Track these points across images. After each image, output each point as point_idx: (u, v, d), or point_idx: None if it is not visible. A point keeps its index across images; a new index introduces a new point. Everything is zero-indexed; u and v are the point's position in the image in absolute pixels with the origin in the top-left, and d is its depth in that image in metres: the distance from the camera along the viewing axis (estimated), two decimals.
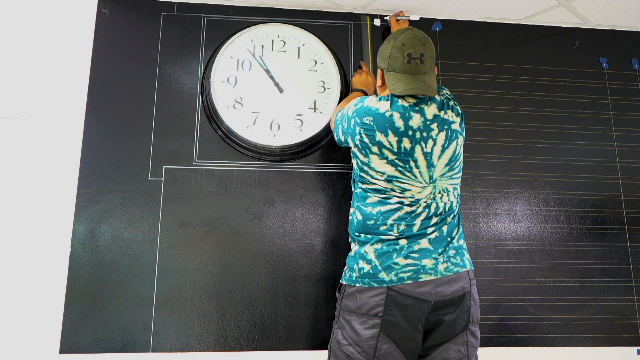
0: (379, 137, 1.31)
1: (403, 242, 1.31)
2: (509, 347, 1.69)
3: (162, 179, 1.68)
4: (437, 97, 1.37)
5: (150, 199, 1.66)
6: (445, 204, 1.35)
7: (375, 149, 1.32)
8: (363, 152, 1.35)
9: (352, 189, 1.47)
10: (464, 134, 1.42)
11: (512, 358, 1.69)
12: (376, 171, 1.34)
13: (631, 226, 1.83)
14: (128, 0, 1.81)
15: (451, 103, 1.39)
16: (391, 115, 1.32)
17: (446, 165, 1.35)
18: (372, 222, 1.35)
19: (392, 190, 1.33)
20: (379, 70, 1.44)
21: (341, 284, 1.40)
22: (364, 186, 1.38)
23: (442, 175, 1.35)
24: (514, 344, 1.69)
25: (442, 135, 1.34)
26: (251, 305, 1.62)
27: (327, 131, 1.74)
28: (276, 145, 1.70)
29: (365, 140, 1.33)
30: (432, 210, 1.33)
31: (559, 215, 1.82)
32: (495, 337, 1.69)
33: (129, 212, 1.64)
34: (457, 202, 1.40)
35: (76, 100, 1.71)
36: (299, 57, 1.79)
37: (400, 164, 1.31)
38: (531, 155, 1.85)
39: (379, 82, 1.45)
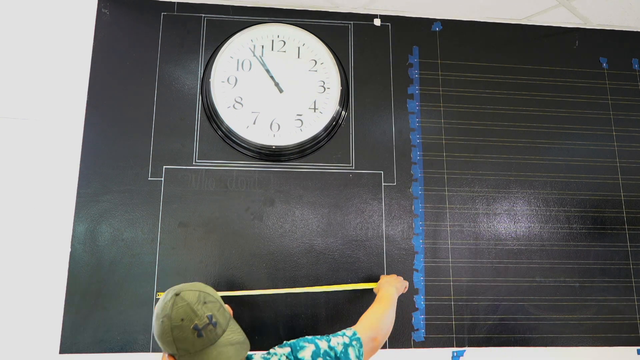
0: None
1: None
2: (509, 347, 1.69)
3: (162, 179, 1.68)
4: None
5: (150, 199, 1.66)
6: None
7: None
8: None
9: None
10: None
11: (512, 358, 1.69)
12: None
13: (631, 226, 1.83)
14: (128, 0, 1.81)
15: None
16: None
17: None
18: None
19: None
20: (166, 356, 1.08)
21: None
22: None
23: None
24: (514, 344, 1.69)
25: None
26: (251, 305, 1.62)
27: (327, 131, 1.74)
28: (276, 145, 1.70)
29: None
30: None
31: (559, 215, 1.82)
32: (495, 337, 1.69)
33: (129, 212, 1.65)
34: None
35: (76, 100, 1.71)
36: (299, 57, 1.79)
37: None
38: (531, 155, 1.85)
39: None
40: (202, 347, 1.06)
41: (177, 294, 1.08)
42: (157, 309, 1.10)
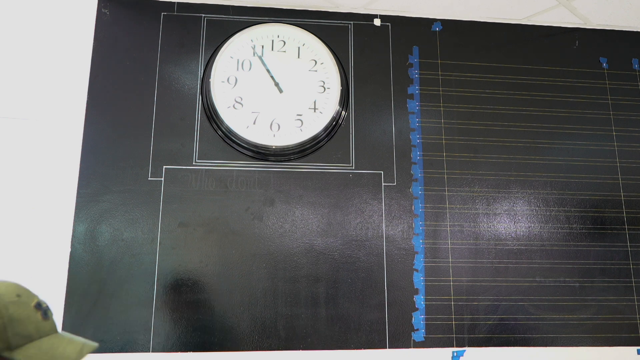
0: None
1: None
2: (509, 347, 1.69)
3: (162, 179, 1.68)
4: None
5: (150, 199, 1.66)
6: None
7: None
8: None
9: None
10: None
11: (512, 358, 1.69)
12: None
13: (631, 226, 1.83)
14: (128, 0, 1.81)
15: None
16: None
17: None
18: None
19: None
20: None
21: None
22: None
23: None
24: (514, 344, 1.69)
25: None
26: (251, 305, 1.62)
27: (327, 131, 1.74)
28: (276, 145, 1.70)
29: None
30: None
31: (559, 215, 1.82)
32: (495, 337, 1.69)
33: (129, 212, 1.65)
34: None
35: (76, 100, 1.71)
36: (299, 57, 1.79)
37: None
38: (531, 155, 1.85)
39: None
40: (49, 331, 0.79)
41: None
42: None
